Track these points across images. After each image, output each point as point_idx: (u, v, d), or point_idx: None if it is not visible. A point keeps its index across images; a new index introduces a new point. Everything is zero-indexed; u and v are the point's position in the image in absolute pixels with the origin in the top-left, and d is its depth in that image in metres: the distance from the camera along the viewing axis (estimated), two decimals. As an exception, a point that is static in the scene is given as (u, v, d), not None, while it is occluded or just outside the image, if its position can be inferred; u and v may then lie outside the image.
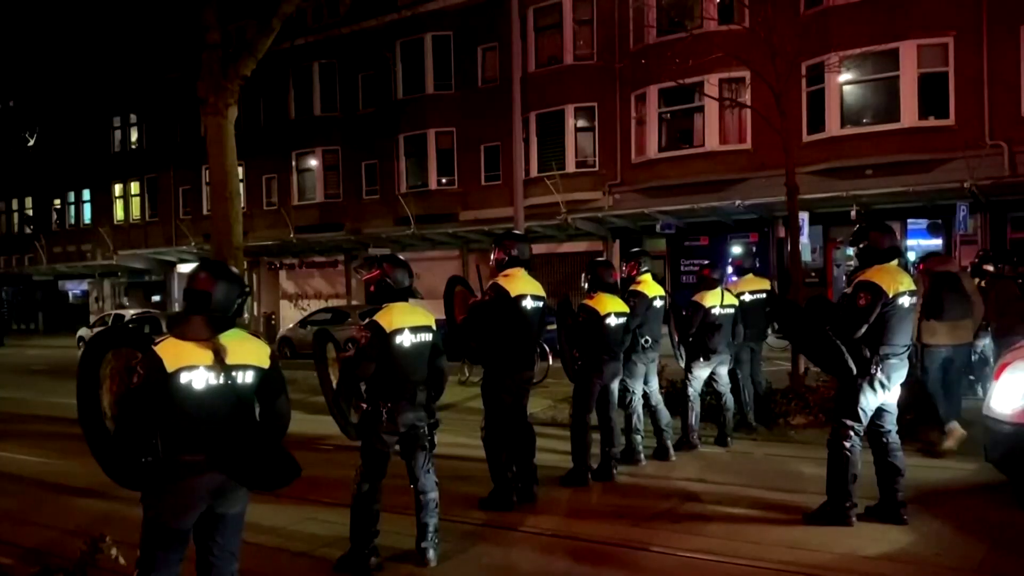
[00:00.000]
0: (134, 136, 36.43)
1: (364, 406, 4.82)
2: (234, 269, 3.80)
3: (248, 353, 3.43)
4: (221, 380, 3.29)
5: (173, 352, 3.28)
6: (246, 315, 3.96)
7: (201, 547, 3.45)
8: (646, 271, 7.34)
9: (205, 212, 28.63)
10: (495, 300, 5.89)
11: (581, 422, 6.69)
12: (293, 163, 30.07)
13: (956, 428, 7.44)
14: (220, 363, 3.29)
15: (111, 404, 3.51)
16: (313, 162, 29.88)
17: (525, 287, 5.98)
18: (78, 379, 3.45)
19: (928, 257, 8.56)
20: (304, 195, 30.08)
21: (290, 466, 3.44)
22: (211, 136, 15.54)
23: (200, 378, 3.26)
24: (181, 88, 24.83)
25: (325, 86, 29.19)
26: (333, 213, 29.10)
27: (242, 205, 16.76)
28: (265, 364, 3.46)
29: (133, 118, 36.11)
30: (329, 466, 7.36)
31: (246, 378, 3.38)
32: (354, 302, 26.97)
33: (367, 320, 4.79)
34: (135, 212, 36.24)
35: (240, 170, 16.75)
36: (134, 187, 36.21)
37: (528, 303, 5.95)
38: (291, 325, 24.24)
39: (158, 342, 3.34)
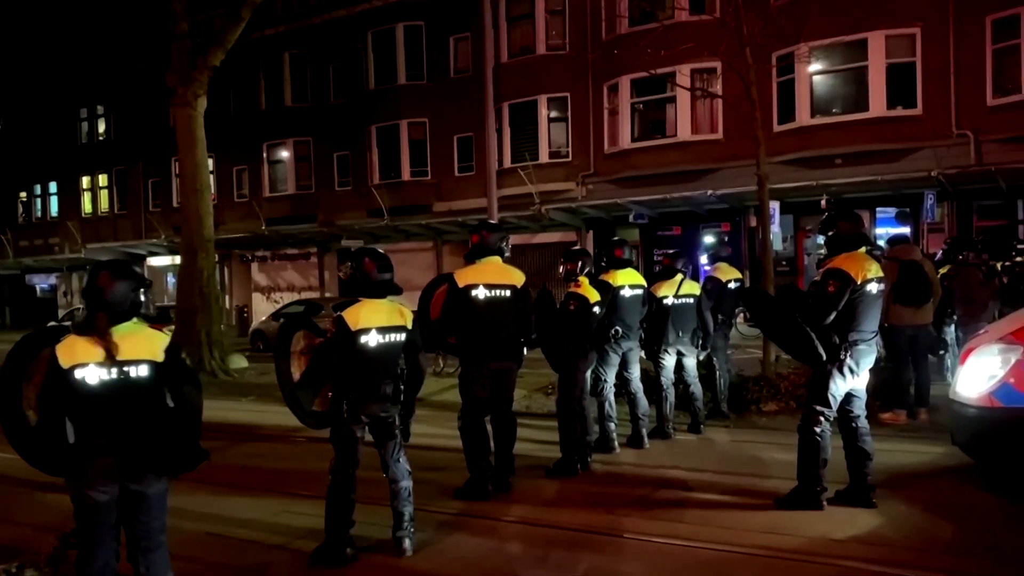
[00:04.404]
0: (102, 127, 35.87)
1: (330, 395, 4.84)
2: (136, 268, 3.96)
3: (141, 348, 3.58)
4: (114, 375, 3.49)
5: (69, 350, 3.49)
6: (147, 308, 3.91)
7: (127, 526, 3.65)
8: (587, 272, 6.97)
9: (175, 204, 28.30)
10: (448, 292, 5.96)
11: (570, 411, 6.71)
12: (264, 154, 29.82)
13: (902, 414, 8.08)
14: (111, 359, 3.48)
15: (35, 398, 3.73)
16: (284, 153, 29.64)
17: (478, 276, 5.96)
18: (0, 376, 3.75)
19: (894, 245, 8.77)
20: (276, 187, 29.84)
21: (192, 453, 3.65)
22: (180, 127, 15.39)
23: (92, 374, 3.47)
24: (149, 79, 24.56)
25: (296, 77, 28.94)
26: (305, 205, 28.90)
27: (212, 197, 16.61)
28: (159, 358, 3.61)
29: (100, 109, 35.56)
30: (304, 459, 7.36)
31: (140, 372, 3.55)
32: (328, 294, 26.85)
33: (335, 314, 4.79)
34: (103, 205, 35.73)
35: (210, 162, 16.59)
36: (102, 179, 35.68)
37: (481, 292, 5.91)
38: (263, 318, 24.07)
39: (62, 340, 3.55)
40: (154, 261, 33.37)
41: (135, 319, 3.63)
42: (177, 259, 22.81)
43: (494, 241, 6.13)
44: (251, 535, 5.37)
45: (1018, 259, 11.02)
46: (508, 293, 6.03)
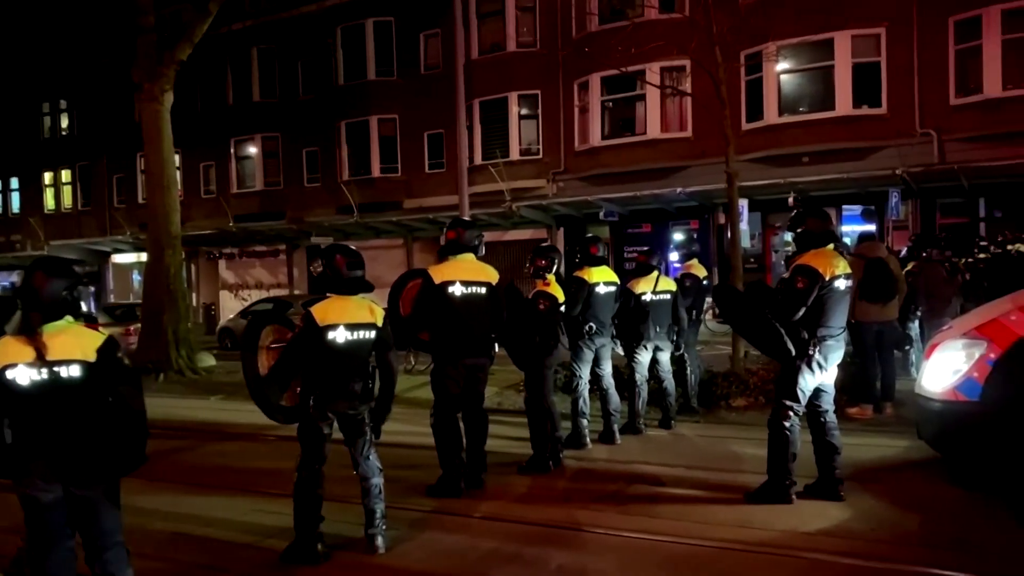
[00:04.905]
0: (64, 122, 35.19)
1: (298, 390, 4.81)
2: (76, 268, 3.82)
3: (72, 348, 3.51)
4: (44, 376, 3.43)
5: (1, 351, 3.45)
6: (86, 306, 3.81)
7: (80, 527, 3.60)
8: (554, 271, 6.94)
9: (141, 201, 27.86)
10: (422, 288, 5.93)
11: (539, 408, 6.71)
12: (232, 150, 29.49)
13: (868, 409, 8.24)
14: (41, 359, 3.42)
15: None
16: (252, 149, 29.33)
17: (455, 273, 5.96)
18: None
19: (860, 242, 8.91)
20: (244, 183, 29.53)
21: (131, 456, 3.58)
22: (147, 123, 15.18)
23: (23, 375, 3.42)
24: (114, 73, 24.13)
25: (264, 72, 28.64)
26: (274, 201, 28.63)
27: (179, 193, 16.41)
28: (91, 358, 3.53)
29: (63, 104, 34.85)
30: (274, 457, 7.29)
31: (71, 372, 3.48)
32: (297, 292, 26.63)
33: (304, 309, 4.75)
34: (67, 201, 35.06)
35: (177, 158, 16.40)
36: (65, 175, 35.01)
37: (457, 289, 5.91)
38: (232, 316, 23.82)
39: None
40: (119, 258, 32.85)
41: (69, 318, 3.57)
42: (143, 256, 22.50)
43: (470, 238, 6.13)
44: (221, 534, 5.31)
45: (980, 255, 11.23)
46: (484, 290, 6.04)
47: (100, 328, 3.72)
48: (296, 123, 27.95)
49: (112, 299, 31.30)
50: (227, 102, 29.22)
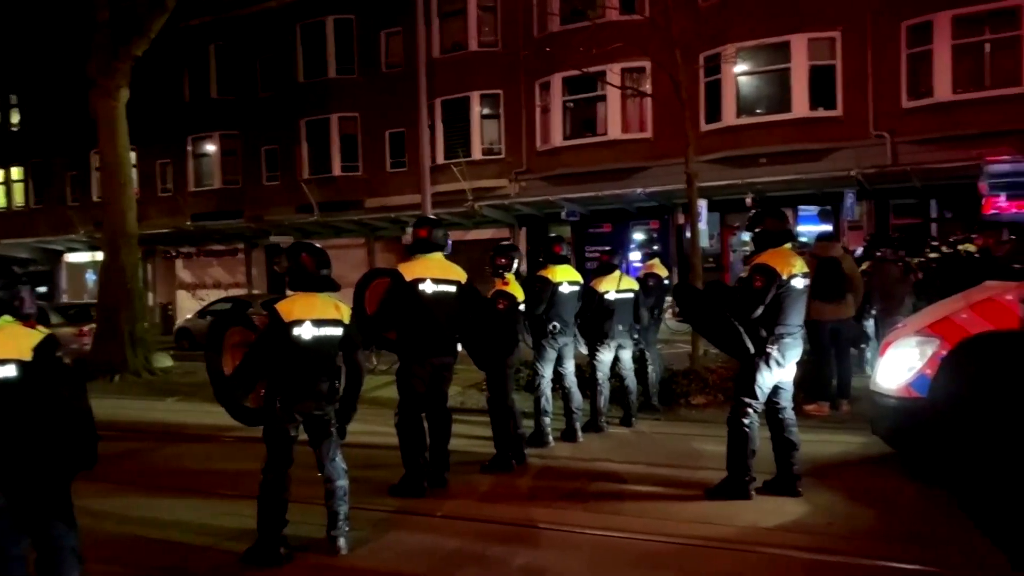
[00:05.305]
0: (16, 118, 34.31)
1: (263, 392, 4.75)
2: (14, 267, 3.77)
3: (7, 347, 3.46)
4: None
5: None
6: (27, 306, 3.75)
7: (31, 536, 3.54)
8: (515, 270, 7.00)
9: (95, 199, 27.31)
10: (393, 286, 5.90)
11: (502, 407, 6.71)
12: (189, 148, 29.05)
13: (825, 406, 8.41)
14: None
15: None
16: (210, 147, 28.92)
17: (426, 271, 5.95)
18: None
19: (817, 242, 9.07)
20: (201, 181, 29.10)
21: (78, 457, 3.52)
22: (101, 119, 14.90)
23: None
24: (67, 68, 23.64)
25: (222, 68, 28.26)
26: (232, 200, 28.23)
27: (135, 191, 16.12)
28: (27, 357, 3.48)
29: (14, 99, 34.00)
30: (233, 458, 7.21)
31: (6, 372, 3.42)
32: (256, 291, 26.32)
33: (268, 308, 4.70)
34: (18, 199, 34.19)
35: (133, 155, 16.08)
36: (16, 172, 34.14)
37: (428, 287, 5.90)
38: (189, 316, 23.46)
39: None
40: (73, 257, 32.16)
41: (7, 317, 3.51)
42: (97, 255, 22.08)
43: (439, 237, 6.13)
44: (179, 537, 5.22)
45: (932, 255, 11.50)
46: (453, 289, 6.04)
47: (39, 327, 3.63)
48: (255, 121, 27.61)
49: (65, 299, 30.61)
50: (184, 99, 28.75)
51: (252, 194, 28.01)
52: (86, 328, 16.25)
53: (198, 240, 29.04)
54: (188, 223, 27.71)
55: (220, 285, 29.01)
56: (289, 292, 4.82)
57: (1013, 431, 4.81)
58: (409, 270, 5.94)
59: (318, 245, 4.98)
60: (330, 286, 4.86)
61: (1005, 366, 5.16)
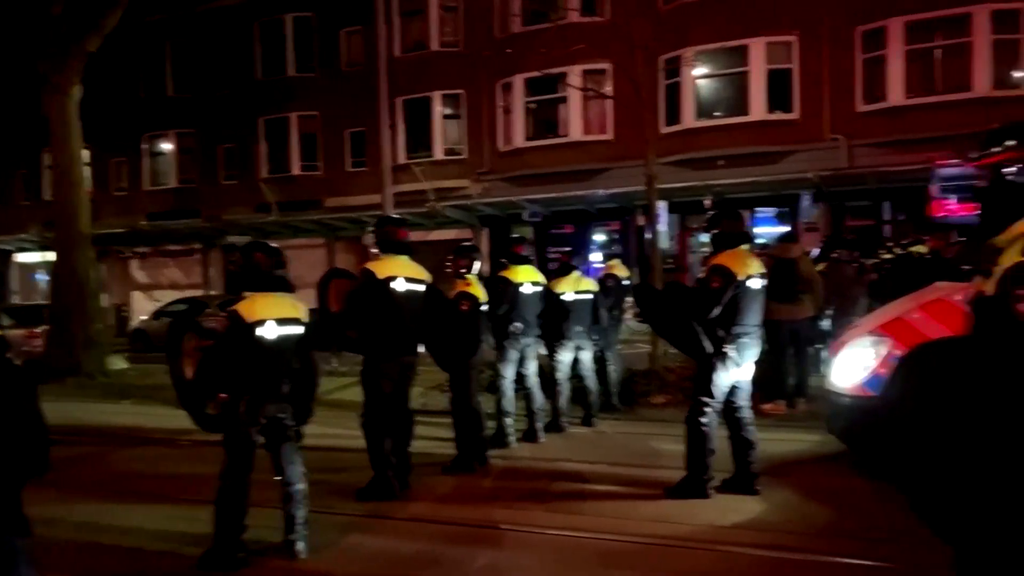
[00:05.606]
0: (-39, 115, 33.38)
1: (223, 397, 4.66)
2: None
3: None
4: None
5: None
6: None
7: None
8: (476, 270, 7.02)
9: (47, 198, 26.65)
10: (363, 284, 5.85)
11: (466, 408, 6.70)
12: (145, 146, 28.54)
13: (782, 405, 8.55)
14: None
15: None
16: (166, 145, 28.44)
17: (397, 269, 5.93)
18: None
19: (777, 243, 9.21)
20: (157, 180, 28.60)
21: (29, 463, 3.36)
22: (54, 117, 14.59)
23: None
24: (18, 64, 23.01)
25: (178, 66, 27.80)
26: (189, 199, 27.76)
27: (89, 191, 15.83)
28: None
29: (-41, 95, 33.08)
30: (190, 462, 7.09)
31: None
32: (213, 292, 25.94)
33: (228, 310, 4.62)
34: (-34, 198, 33.30)
35: (86, 153, 15.78)
36: (-38, 171, 33.25)
37: (400, 285, 5.88)
38: (145, 317, 23.05)
39: None
40: (23, 257, 31.39)
41: None
42: (49, 255, 21.57)
43: (407, 237, 6.11)
44: (135, 543, 5.12)
45: (885, 256, 11.73)
46: (422, 288, 6.03)
47: None
48: (213, 119, 27.18)
49: (16, 300, 29.87)
50: (140, 96, 28.21)
51: (209, 193, 27.58)
52: (38, 330, 15.89)
53: (154, 240, 28.54)
54: (144, 223, 27.21)
55: (176, 286, 28.48)
56: (246, 294, 4.73)
57: (951, 434, 4.92)
58: (381, 268, 5.90)
59: (273, 244, 4.93)
60: (285, 286, 4.80)
61: (949, 372, 5.28)
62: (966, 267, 6.55)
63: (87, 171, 16.52)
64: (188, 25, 27.27)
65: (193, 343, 4.92)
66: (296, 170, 25.88)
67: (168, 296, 26.58)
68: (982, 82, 17.39)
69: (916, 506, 4.83)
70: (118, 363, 14.94)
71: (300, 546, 4.72)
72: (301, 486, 4.76)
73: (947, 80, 17.78)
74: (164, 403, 8.95)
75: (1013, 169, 2.45)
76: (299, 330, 4.74)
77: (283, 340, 4.64)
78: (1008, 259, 2.33)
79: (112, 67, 25.58)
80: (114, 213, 28.06)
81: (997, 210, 2.48)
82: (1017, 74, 17.44)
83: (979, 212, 2.60)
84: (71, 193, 14.61)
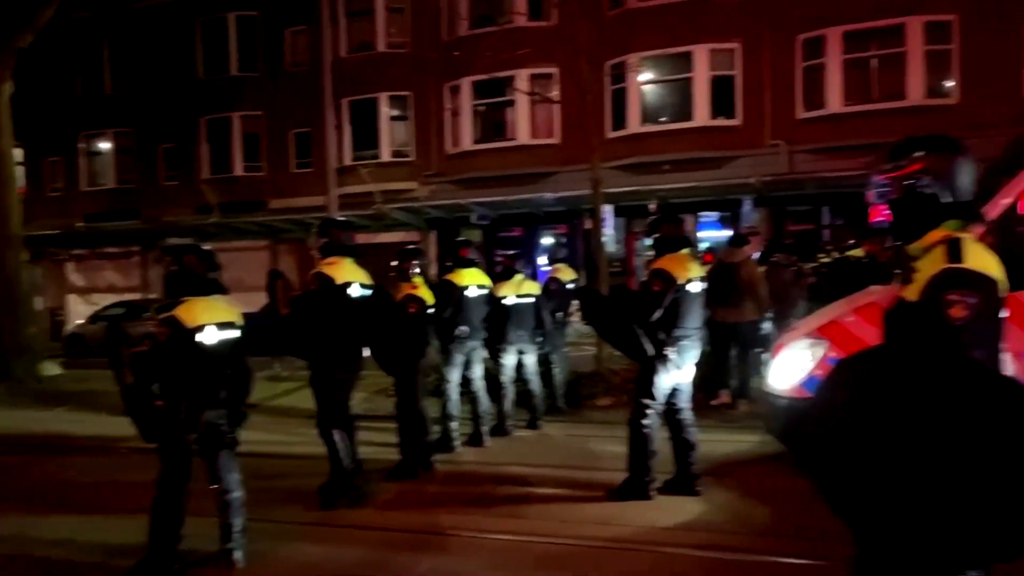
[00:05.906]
0: None
1: (160, 404, 4.52)
2: None
3: None
4: None
5: None
6: None
7: None
8: (418, 273, 7.00)
9: (-24, 197, 25.74)
10: (320, 289, 5.70)
11: (412, 413, 6.65)
12: (81, 145, 27.76)
13: (727, 394, 8.79)
14: None
15: None
16: (104, 145, 27.71)
17: (352, 274, 5.83)
18: None
19: (727, 246, 9.37)
20: (94, 180, 27.84)
21: None
22: (-18, 113, 14.10)
23: None
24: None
25: (116, 63, 27.10)
26: (127, 200, 27.05)
27: (21, 190, 15.36)
28: None
29: None
30: (123, 470, 6.90)
31: None
32: (151, 295, 25.33)
33: (165, 315, 4.49)
34: None
35: (19, 152, 15.32)
36: None
37: (355, 291, 5.80)
38: (81, 321, 22.40)
39: None
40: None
41: None
42: (-21, 257, 20.81)
43: (349, 239, 6.02)
44: (64, 555, 4.97)
45: (824, 260, 11.98)
46: (372, 292, 5.96)
47: None
48: (152, 118, 26.54)
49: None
50: (76, 94, 27.45)
51: (149, 194, 26.91)
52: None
53: (91, 242, 27.77)
54: (80, 224, 26.45)
55: (114, 289, 27.74)
56: (184, 299, 4.60)
57: (870, 439, 5.04)
58: (337, 272, 5.76)
59: (209, 247, 4.82)
60: (219, 289, 4.70)
61: (874, 380, 5.41)
62: (897, 271, 6.72)
63: (20, 170, 16.01)
64: (127, 22, 26.62)
65: (129, 351, 4.77)
66: (239, 171, 25.43)
67: (106, 300, 25.88)
68: (916, 91, 17.94)
69: (833, 508, 4.94)
70: (52, 369, 14.50)
71: (238, 555, 4.62)
72: (238, 493, 4.65)
73: (883, 88, 18.27)
74: (100, 410, 8.70)
75: (925, 180, 2.52)
76: (236, 334, 4.65)
77: (223, 345, 4.55)
78: (930, 266, 2.39)
79: (47, 64, 24.92)
80: (49, 214, 27.19)
81: (910, 219, 2.55)
82: (948, 83, 18.03)
83: (892, 222, 2.68)
84: (2, 193, 14.16)
